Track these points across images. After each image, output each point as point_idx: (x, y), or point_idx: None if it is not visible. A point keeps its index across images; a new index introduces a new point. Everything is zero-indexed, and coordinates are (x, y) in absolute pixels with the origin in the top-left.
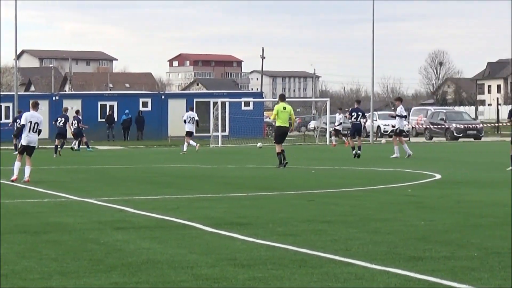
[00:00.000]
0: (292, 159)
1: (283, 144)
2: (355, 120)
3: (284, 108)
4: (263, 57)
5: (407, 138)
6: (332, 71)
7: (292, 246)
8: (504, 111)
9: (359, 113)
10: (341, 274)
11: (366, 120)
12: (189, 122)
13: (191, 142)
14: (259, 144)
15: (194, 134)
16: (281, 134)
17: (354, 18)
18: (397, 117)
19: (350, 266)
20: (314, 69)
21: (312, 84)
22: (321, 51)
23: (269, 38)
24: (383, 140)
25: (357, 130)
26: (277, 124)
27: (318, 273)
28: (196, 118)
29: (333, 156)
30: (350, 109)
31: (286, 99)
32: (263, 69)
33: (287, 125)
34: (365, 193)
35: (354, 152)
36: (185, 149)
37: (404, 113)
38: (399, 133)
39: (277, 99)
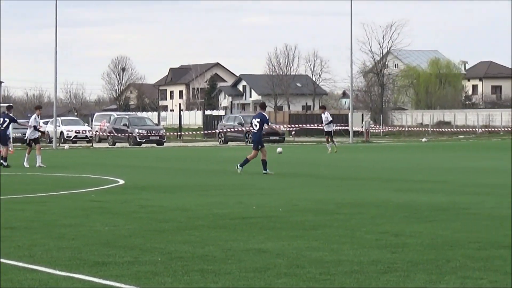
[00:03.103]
0: None
1: None
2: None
3: None
4: None
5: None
6: (15, 76)
7: None
8: (186, 116)
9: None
10: (25, 281)
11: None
12: None
13: None
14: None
15: None
16: None
17: (37, 23)
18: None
19: (34, 273)
20: None
21: None
22: (3, 55)
23: None
24: (66, 146)
25: None
26: None
27: (2, 280)
28: None
29: (15, 163)
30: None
31: None
32: None
33: None
34: (49, 198)
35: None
36: None
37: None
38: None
39: None
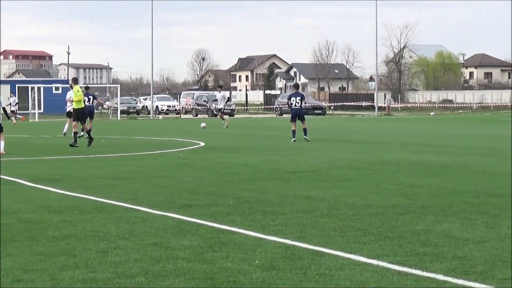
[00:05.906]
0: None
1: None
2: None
3: (78, 91)
4: (68, 53)
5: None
6: (122, 64)
7: (93, 196)
8: (251, 95)
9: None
10: (130, 218)
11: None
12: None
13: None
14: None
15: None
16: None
17: (136, 24)
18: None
19: (137, 212)
20: (108, 62)
21: (106, 74)
22: (114, 48)
23: (73, 38)
24: (160, 117)
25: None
26: (75, 106)
27: (113, 217)
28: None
29: (119, 129)
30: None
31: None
32: (69, 62)
33: (83, 106)
34: (147, 156)
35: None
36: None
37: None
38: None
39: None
